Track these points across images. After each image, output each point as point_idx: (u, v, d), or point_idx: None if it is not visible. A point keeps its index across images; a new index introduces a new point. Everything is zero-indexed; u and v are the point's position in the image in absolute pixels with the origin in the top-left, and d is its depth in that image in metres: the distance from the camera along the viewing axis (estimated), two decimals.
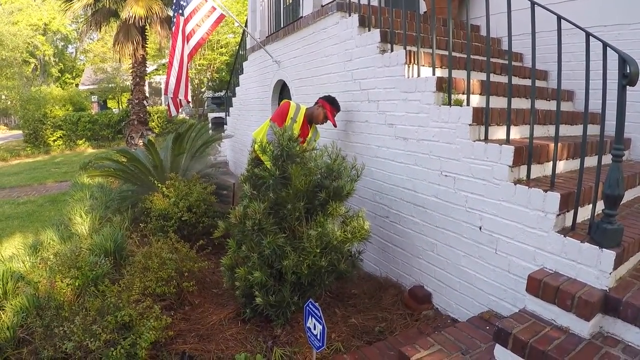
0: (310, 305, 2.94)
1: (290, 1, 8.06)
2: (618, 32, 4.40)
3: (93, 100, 28.46)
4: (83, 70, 37.93)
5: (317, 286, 3.68)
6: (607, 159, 2.80)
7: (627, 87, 2.47)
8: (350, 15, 5.16)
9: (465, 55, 3.88)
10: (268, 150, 3.63)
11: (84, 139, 22.25)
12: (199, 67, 24.79)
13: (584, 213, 3.04)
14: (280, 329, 3.70)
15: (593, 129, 4.02)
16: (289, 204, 3.51)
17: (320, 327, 2.83)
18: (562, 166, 3.57)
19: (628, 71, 2.42)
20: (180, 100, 7.37)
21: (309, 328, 2.99)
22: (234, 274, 3.77)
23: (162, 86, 28.65)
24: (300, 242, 3.49)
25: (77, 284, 4.03)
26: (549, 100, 4.61)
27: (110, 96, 30.48)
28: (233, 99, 11.62)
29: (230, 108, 11.91)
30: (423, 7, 6.17)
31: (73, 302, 3.84)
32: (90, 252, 4.56)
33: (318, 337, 2.88)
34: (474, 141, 3.49)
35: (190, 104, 18.46)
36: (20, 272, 4.43)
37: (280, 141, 3.56)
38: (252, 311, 3.80)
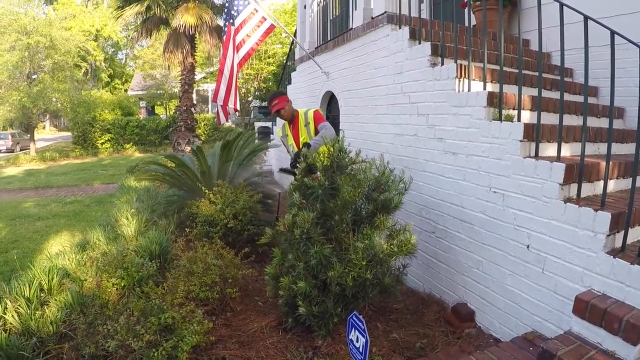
0: (355, 318, 2.93)
1: (340, 13, 8.10)
2: None
3: (141, 105, 29.31)
4: (132, 76, 39.16)
5: (361, 299, 3.67)
6: None
7: None
8: (400, 28, 5.15)
9: (515, 70, 3.83)
10: (318, 161, 3.64)
11: (131, 143, 22.93)
12: (246, 77, 25.14)
13: (634, 234, 2.95)
14: (322, 339, 3.69)
15: None
16: (337, 215, 3.51)
17: (364, 340, 2.82)
18: (612, 185, 3.47)
19: None
20: (229, 108, 7.49)
21: (351, 340, 2.98)
22: (277, 283, 3.79)
23: (210, 94, 29.27)
24: (346, 254, 3.48)
25: (122, 284, 4.14)
26: (599, 117, 4.50)
27: (158, 102, 31.31)
28: None
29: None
30: (473, 21, 6.12)
31: (117, 302, 3.93)
32: (136, 254, 4.65)
33: (360, 350, 2.86)
34: (524, 158, 3.43)
35: (237, 113, 18.76)
36: (66, 269, 4.54)
37: (331, 152, 3.57)
38: (294, 321, 3.82)
